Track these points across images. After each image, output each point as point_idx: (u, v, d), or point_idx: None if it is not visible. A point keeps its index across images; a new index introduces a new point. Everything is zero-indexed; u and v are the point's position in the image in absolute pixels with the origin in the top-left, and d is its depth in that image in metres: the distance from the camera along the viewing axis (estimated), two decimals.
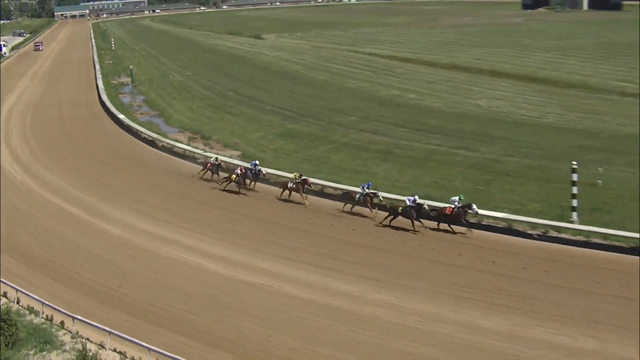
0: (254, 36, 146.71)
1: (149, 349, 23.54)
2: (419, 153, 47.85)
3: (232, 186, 42.35)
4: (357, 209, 37.64)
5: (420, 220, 34.78)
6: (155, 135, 56.43)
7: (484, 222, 34.51)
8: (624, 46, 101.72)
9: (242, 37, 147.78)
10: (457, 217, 34.28)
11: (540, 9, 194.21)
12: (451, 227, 34.36)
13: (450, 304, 27.00)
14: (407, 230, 34.88)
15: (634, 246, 30.83)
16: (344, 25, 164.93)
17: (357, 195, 37.52)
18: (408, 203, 35.04)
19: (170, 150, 52.65)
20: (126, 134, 60.63)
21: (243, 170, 42.41)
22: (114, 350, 24.55)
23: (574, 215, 33.63)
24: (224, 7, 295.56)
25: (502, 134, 52.79)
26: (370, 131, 55.08)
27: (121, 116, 64.97)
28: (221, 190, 42.59)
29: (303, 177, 39.84)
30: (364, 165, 45.68)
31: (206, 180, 44.40)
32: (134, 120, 63.58)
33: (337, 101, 70.03)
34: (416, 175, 42.87)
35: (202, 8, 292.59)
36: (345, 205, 38.16)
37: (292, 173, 40.98)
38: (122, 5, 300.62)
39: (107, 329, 24.94)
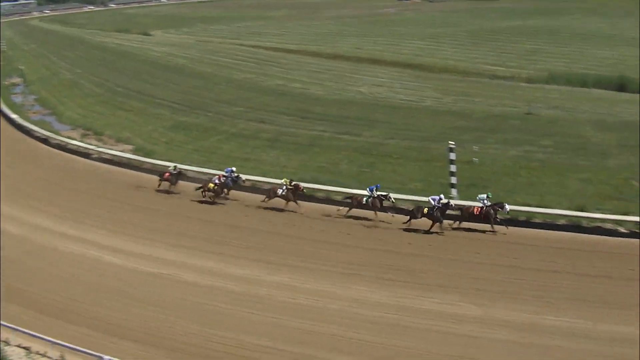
0: (142, 33, 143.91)
1: (53, 343, 23.78)
2: (305, 139, 49.20)
3: (192, 193, 39.55)
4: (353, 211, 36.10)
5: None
6: (48, 134, 55.77)
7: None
8: (493, 33, 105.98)
9: (130, 34, 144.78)
10: (486, 216, 32.59)
11: (414, 0, 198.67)
12: (492, 227, 32.65)
13: (340, 282, 28.22)
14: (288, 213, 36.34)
15: (509, 217, 32.94)
16: (228, 20, 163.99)
17: (365, 199, 34.96)
18: (433, 203, 32.99)
19: (63, 148, 52.21)
20: (20, 132, 59.44)
21: (222, 179, 38.80)
22: (19, 346, 24.66)
23: (453, 191, 35.60)
24: (112, 5, 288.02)
25: (382, 118, 54.69)
26: (258, 120, 56.04)
27: (14, 115, 63.98)
28: (198, 201, 38.89)
29: (294, 183, 37.15)
30: (252, 153, 46.58)
31: (166, 192, 40.74)
32: (26, 119, 62.50)
33: (224, 93, 70.55)
34: (303, 160, 44.21)
35: (90, 7, 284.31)
36: (349, 210, 35.53)
37: (282, 179, 37.96)
38: (12, 7, 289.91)
39: (11, 325, 24.99)
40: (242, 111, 60.17)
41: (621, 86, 63.65)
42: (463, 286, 27.33)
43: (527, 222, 32.87)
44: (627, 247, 30.05)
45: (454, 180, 35.85)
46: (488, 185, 36.89)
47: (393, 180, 38.22)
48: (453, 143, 36.30)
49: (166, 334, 25.29)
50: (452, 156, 35.87)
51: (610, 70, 69.77)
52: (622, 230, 31.47)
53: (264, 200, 37.52)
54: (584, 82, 65.82)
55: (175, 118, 59.16)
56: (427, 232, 32.95)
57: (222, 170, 39.83)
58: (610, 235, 31.26)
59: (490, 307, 25.71)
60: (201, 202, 38.82)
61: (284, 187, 37.18)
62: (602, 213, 32.47)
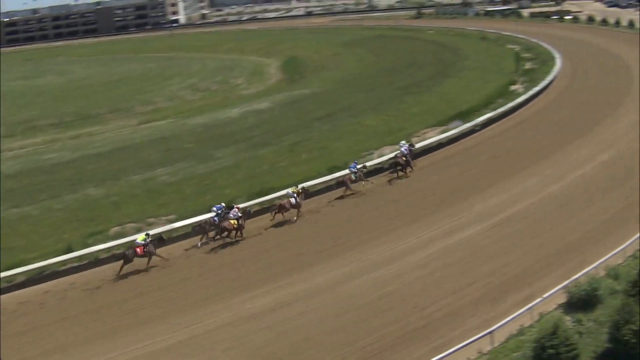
0: None
1: None
2: None
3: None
4: None
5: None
6: None
7: None
8: None
9: None
10: (408, 163, 41.25)
11: None
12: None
13: None
14: None
15: None
16: None
17: (354, 176, 38.74)
18: (405, 152, 41.17)
19: None
20: None
21: (240, 209, 33.54)
22: None
23: None
24: None
25: None
26: None
27: None
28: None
29: (301, 187, 35.93)
30: None
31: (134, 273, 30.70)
32: None
33: None
34: None
35: None
36: (346, 190, 38.46)
37: (290, 188, 35.83)
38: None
39: None
40: None
41: None
42: None
43: None
44: None
45: None
46: None
47: None
48: None
49: None
50: None
51: None
52: None
53: (273, 218, 34.82)
54: None
55: None
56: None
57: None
58: None
59: None
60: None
61: (294, 196, 34.91)
62: None
